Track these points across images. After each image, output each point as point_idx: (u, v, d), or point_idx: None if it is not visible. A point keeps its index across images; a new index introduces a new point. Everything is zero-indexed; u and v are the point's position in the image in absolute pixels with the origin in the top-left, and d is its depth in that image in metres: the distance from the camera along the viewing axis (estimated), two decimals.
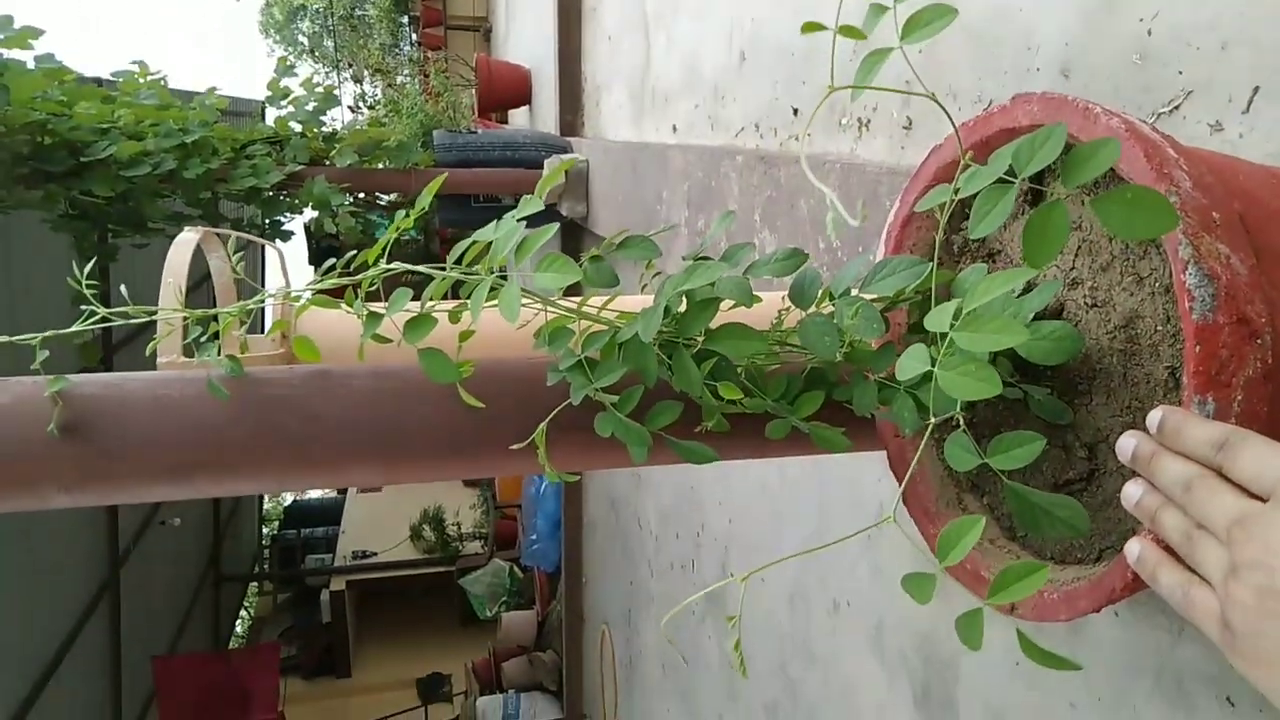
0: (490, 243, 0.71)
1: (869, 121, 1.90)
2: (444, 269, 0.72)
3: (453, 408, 0.79)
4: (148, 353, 0.95)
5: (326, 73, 18.07)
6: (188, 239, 1.04)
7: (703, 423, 0.80)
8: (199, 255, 1.06)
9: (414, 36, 13.98)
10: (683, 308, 0.72)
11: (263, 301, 0.82)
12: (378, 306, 0.76)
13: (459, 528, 10.67)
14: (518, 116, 8.23)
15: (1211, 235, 0.55)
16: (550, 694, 6.60)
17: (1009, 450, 0.60)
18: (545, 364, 0.80)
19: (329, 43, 18.32)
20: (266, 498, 16.75)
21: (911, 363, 0.52)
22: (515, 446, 0.77)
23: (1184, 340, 0.55)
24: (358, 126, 4.68)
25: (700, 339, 0.73)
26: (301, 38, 20.75)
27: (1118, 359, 0.66)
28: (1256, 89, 1.02)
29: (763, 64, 2.34)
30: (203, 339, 0.80)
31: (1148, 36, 1.18)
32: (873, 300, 0.70)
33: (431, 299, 0.76)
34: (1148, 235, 0.48)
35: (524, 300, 0.75)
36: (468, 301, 0.69)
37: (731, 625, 0.54)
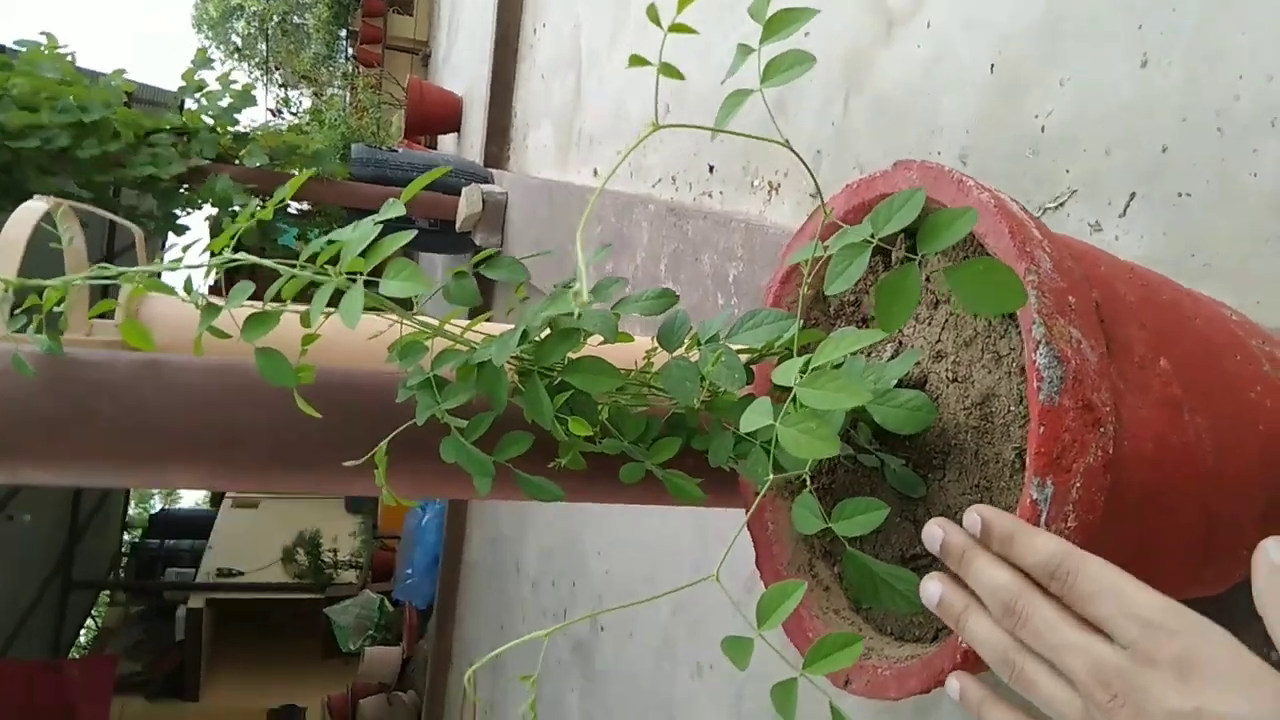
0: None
1: (779, 186, 1.92)
2: (294, 266, 0.68)
3: (291, 414, 0.73)
4: None
5: (255, 75, 17.66)
6: (34, 208, 0.96)
7: (557, 458, 0.76)
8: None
9: (350, 51, 13.81)
10: (544, 336, 0.69)
11: (95, 279, 0.75)
12: (219, 299, 0.70)
13: (335, 554, 10.26)
14: (446, 144, 8.16)
15: (1065, 319, 0.55)
16: None
17: (852, 516, 0.58)
18: (397, 380, 0.75)
19: (262, 45, 17.96)
20: (132, 503, 15.83)
21: (754, 416, 0.50)
22: (351, 463, 0.72)
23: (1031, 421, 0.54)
24: (273, 129, 4.54)
25: (560, 370, 0.69)
26: (235, 37, 20.29)
27: (972, 436, 0.65)
28: (1133, 195, 1.06)
29: (686, 118, 2.36)
30: (16, 311, 0.73)
31: (1041, 133, 1.22)
32: (737, 350, 0.68)
33: (281, 298, 0.71)
34: (997, 310, 0.48)
35: (379, 312, 0.70)
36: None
37: (529, 684, 0.50)
